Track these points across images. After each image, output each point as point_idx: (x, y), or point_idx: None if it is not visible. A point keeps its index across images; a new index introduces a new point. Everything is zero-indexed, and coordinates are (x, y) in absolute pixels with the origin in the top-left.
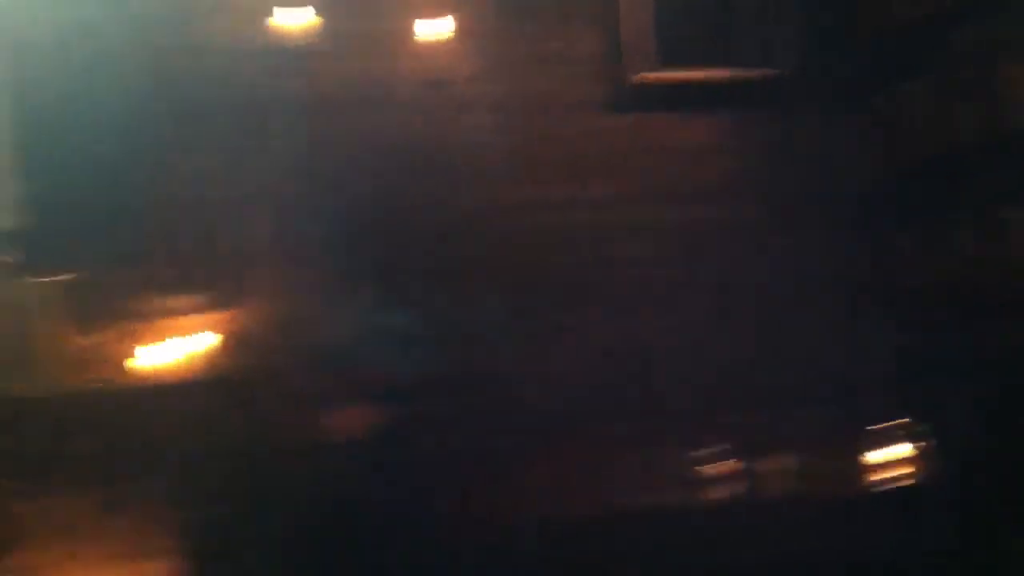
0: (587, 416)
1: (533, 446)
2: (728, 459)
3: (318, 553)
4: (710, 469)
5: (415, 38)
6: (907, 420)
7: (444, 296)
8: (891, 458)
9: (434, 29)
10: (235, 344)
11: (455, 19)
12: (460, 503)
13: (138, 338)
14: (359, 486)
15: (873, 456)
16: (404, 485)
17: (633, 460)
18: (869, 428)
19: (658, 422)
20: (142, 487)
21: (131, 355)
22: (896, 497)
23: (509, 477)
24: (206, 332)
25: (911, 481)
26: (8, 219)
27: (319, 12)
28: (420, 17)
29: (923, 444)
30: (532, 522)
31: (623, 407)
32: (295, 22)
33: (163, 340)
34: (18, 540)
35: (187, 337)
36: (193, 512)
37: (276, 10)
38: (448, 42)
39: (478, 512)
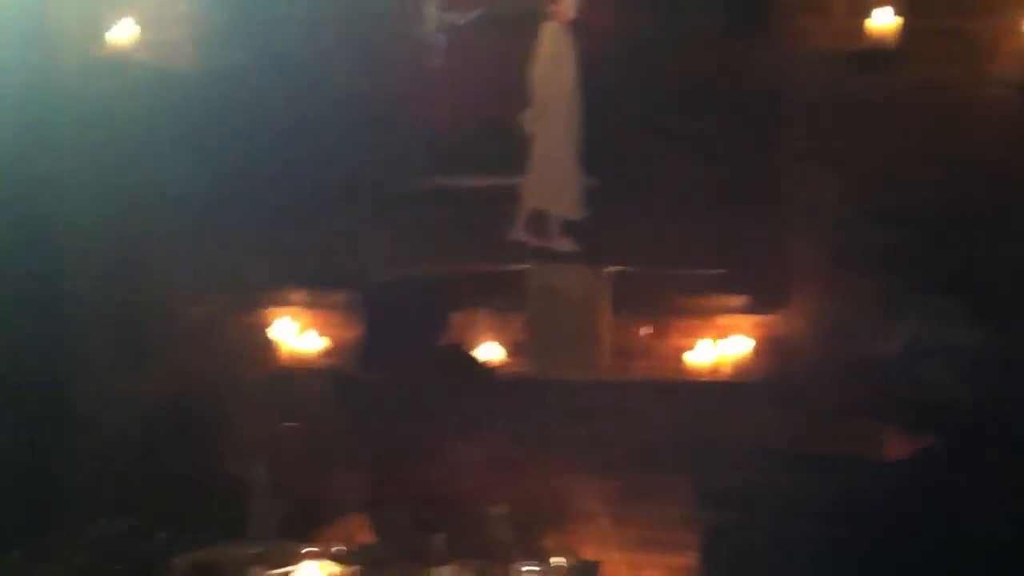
0: None
1: None
2: None
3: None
4: None
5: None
6: None
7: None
8: None
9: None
10: (777, 348)
11: None
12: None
13: (680, 333)
14: (890, 506)
15: None
16: (944, 511)
17: None
18: None
19: None
20: (663, 479)
21: (672, 349)
22: None
23: None
24: (748, 334)
25: None
26: (573, 211)
27: (900, 12)
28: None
29: None
30: None
31: None
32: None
33: (705, 338)
34: (558, 519)
35: (729, 337)
36: (711, 512)
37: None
38: None
39: None
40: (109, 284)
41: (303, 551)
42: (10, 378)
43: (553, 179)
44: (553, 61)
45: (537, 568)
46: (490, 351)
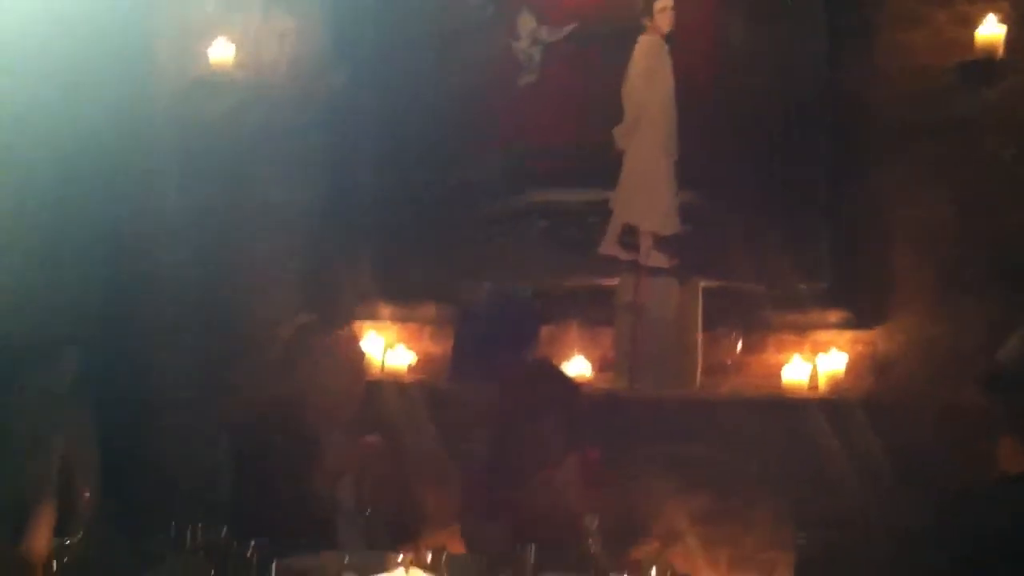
0: None
1: None
2: None
3: None
4: None
5: None
6: None
7: None
8: None
9: None
10: (877, 365)
11: None
12: None
13: (775, 349)
14: (998, 528)
15: None
16: None
17: None
18: None
19: None
20: (756, 498)
21: (767, 366)
22: None
23: None
24: (847, 350)
25: None
26: (666, 225)
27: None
28: None
29: None
30: None
31: None
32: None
33: (801, 353)
34: (649, 535)
35: (827, 353)
36: (806, 532)
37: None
38: None
39: None
40: (203, 299)
41: (394, 559)
42: (109, 391)
43: (645, 194)
44: (648, 75)
45: None
46: (580, 366)
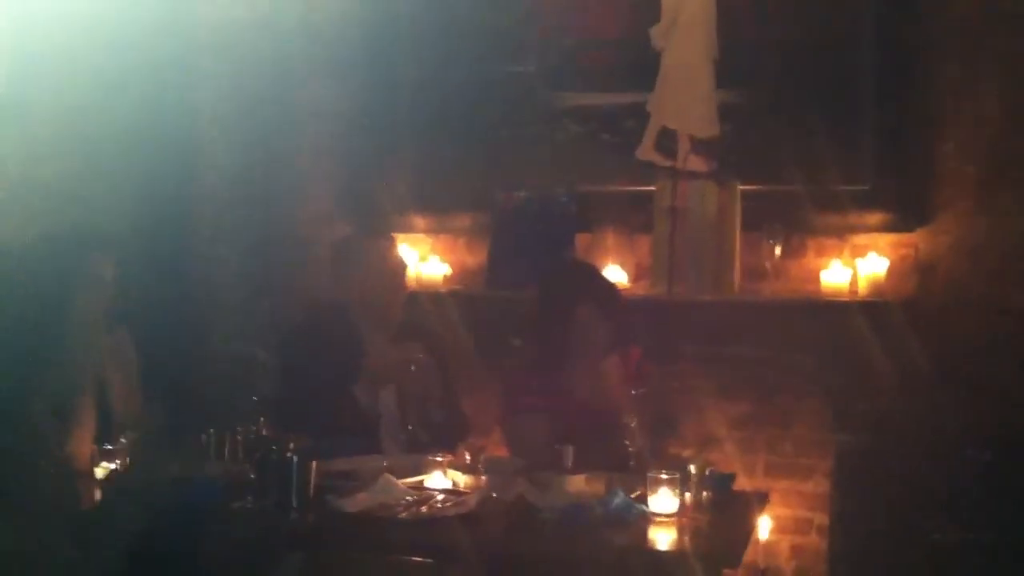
0: None
1: None
2: None
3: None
4: None
5: None
6: None
7: None
8: None
9: None
10: (918, 267)
11: None
12: None
13: (815, 252)
14: None
15: None
16: None
17: None
18: None
19: None
20: (795, 401)
21: (807, 270)
22: None
23: None
24: (888, 253)
25: None
26: (705, 128)
27: None
28: None
29: None
30: None
31: None
32: None
33: (842, 256)
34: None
35: (867, 256)
36: (845, 436)
37: None
38: None
39: None
40: (241, 211)
41: (433, 460)
42: (150, 294)
43: (684, 95)
44: None
45: (672, 474)
46: (616, 273)
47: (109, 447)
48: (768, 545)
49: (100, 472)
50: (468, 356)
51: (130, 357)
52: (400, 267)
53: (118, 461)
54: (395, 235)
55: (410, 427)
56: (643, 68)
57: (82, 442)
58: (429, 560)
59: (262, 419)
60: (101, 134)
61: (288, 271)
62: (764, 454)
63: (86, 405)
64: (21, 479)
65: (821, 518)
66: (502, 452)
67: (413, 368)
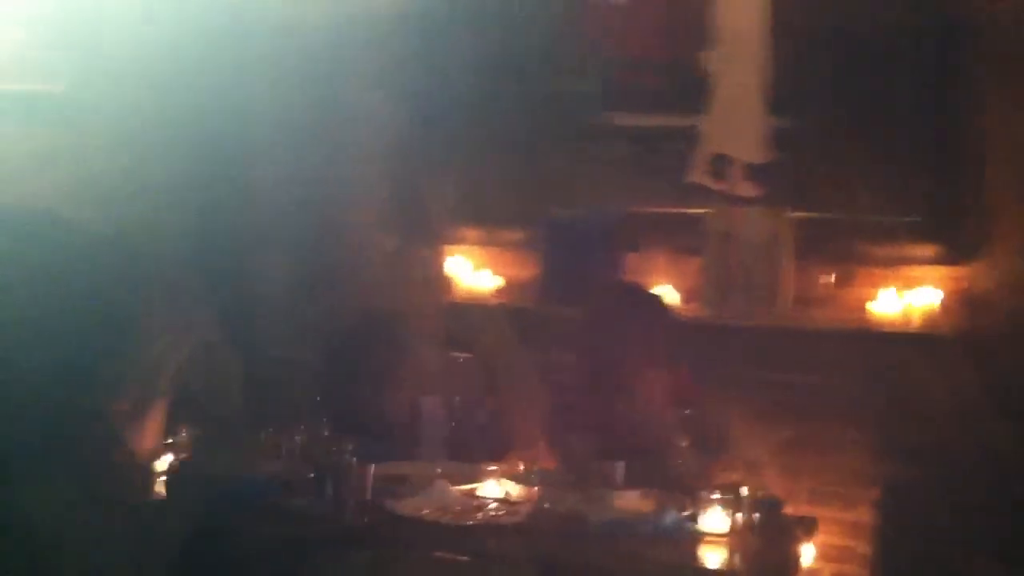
0: None
1: None
2: None
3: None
4: None
5: None
6: None
7: None
8: None
9: None
10: (969, 301)
11: None
12: None
13: (866, 282)
14: None
15: None
16: None
17: None
18: None
19: None
20: (842, 431)
21: (857, 299)
22: None
23: None
24: (939, 285)
25: None
26: (757, 154)
27: None
28: None
29: None
30: None
31: None
32: None
33: (892, 287)
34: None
35: (918, 288)
36: (891, 468)
37: None
38: None
39: None
40: (293, 215)
41: (487, 469)
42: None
43: (736, 121)
44: None
45: (724, 495)
46: (666, 293)
47: (170, 440)
48: (810, 572)
49: (161, 465)
50: (517, 368)
51: (204, 356)
52: (440, 279)
53: (179, 455)
54: (442, 247)
55: (455, 425)
56: (693, 91)
57: (151, 437)
58: (481, 562)
59: (324, 420)
60: (155, 137)
61: (338, 277)
62: (808, 481)
63: (158, 402)
64: (94, 471)
65: (864, 548)
66: (553, 465)
67: (460, 365)
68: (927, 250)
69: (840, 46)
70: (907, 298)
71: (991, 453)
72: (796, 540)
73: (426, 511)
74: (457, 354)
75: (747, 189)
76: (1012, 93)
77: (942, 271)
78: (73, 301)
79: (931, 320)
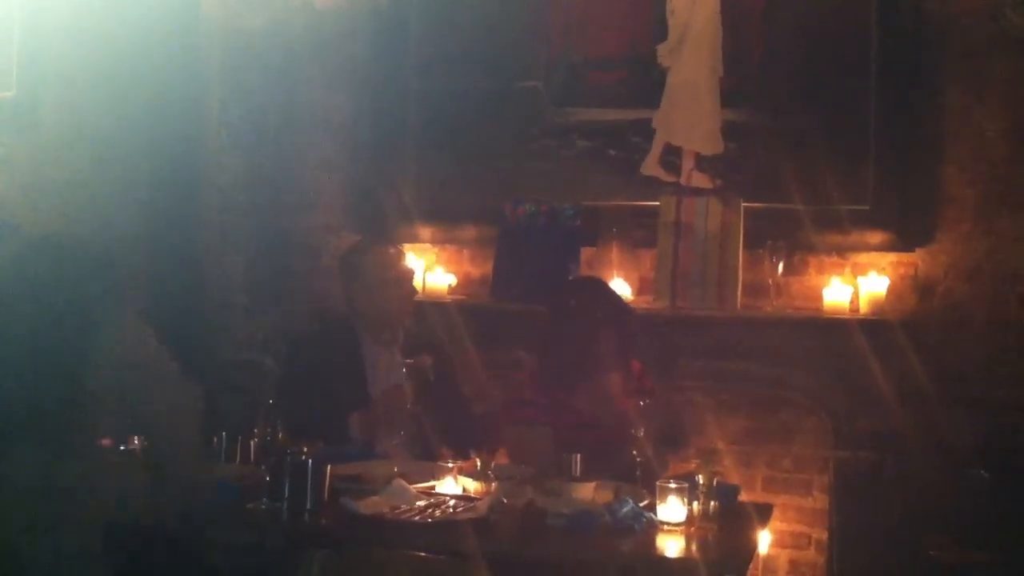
0: None
1: None
2: None
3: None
4: None
5: None
6: None
7: None
8: None
9: None
10: (918, 287)
11: None
12: None
13: (816, 271)
14: None
15: None
16: None
17: None
18: None
19: None
20: (794, 418)
21: (808, 287)
22: None
23: None
24: (888, 272)
25: None
26: (709, 146)
27: None
28: None
29: None
30: None
31: None
32: None
33: (842, 275)
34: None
35: (868, 275)
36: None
37: None
38: None
39: None
40: (250, 219)
41: (444, 467)
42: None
43: (688, 113)
44: None
45: (681, 484)
46: (620, 287)
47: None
48: (767, 559)
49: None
50: (473, 366)
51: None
52: (407, 276)
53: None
54: (402, 245)
55: (401, 433)
56: (649, 85)
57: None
58: (443, 556)
59: (278, 423)
60: (109, 140)
61: (296, 280)
62: (763, 468)
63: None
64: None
65: (819, 533)
66: (511, 459)
67: (419, 369)
68: (877, 237)
69: (791, 37)
70: (857, 285)
71: (941, 437)
72: (754, 527)
73: (385, 510)
74: (414, 352)
75: (699, 180)
76: (961, 85)
77: (892, 258)
78: (26, 303)
79: (880, 307)
